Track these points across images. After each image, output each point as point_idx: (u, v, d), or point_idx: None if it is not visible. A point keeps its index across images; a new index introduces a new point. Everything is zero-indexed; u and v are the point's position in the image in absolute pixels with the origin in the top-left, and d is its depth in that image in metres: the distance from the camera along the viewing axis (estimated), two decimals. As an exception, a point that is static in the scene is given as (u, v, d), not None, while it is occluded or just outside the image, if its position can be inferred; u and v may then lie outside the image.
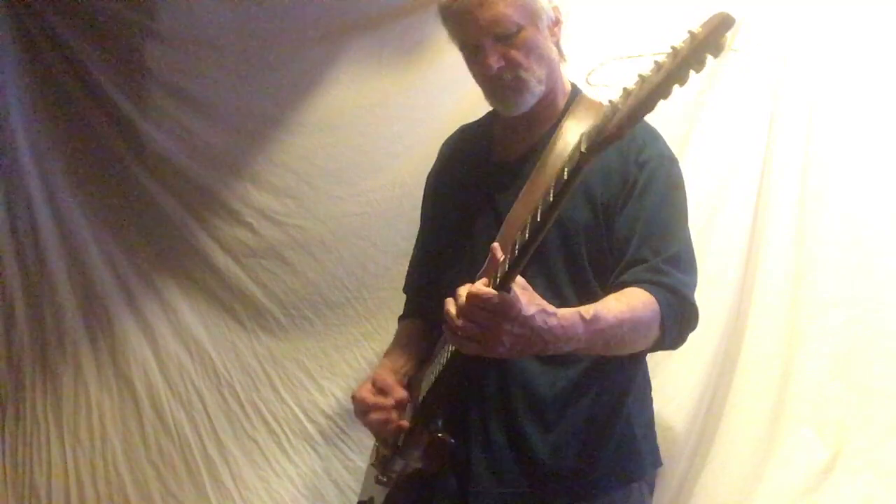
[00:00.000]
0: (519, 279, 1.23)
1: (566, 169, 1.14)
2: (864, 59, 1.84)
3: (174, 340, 2.33)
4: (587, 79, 1.87)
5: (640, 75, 1.06)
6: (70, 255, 2.36)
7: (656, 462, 1.63)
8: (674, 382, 1.86)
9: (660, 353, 1.77)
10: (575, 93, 1.63)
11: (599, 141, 1.10)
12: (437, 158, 1.82)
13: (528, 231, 1.18)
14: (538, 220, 1.17)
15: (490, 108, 1.74)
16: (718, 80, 1.95)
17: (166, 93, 2.33)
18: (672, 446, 1.83)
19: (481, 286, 1.22)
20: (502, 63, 1.49)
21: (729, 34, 1.02)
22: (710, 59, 1.00)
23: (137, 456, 2.31)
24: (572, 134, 1.52)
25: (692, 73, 1.00)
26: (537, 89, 1.53)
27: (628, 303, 1.38)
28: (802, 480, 1.78)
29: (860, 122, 1.84)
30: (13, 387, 2.37)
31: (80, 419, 2.34)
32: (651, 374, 1.67)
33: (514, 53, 1.49)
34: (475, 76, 1.58)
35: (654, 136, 1.56)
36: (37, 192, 2.34)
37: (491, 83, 1.54)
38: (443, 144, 1.83)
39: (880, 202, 1.81)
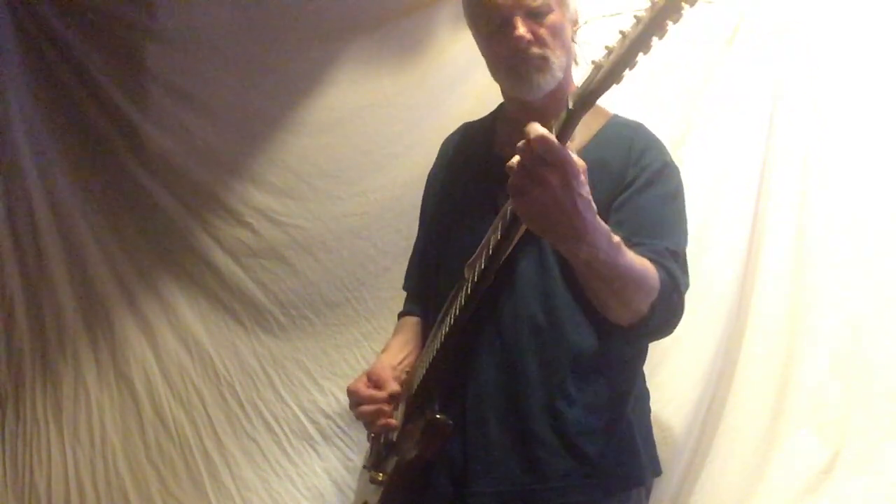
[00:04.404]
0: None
1: (554, 128, 1.19)
2: (865, 57, 1.84)
3: (174, 340, 2.33)
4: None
5: (620, 31, 1.11)
6: (70, 255, 2.36)
7: (656, 471, 1.62)
8: (674, 382, 1.85)
9: (659, 353, 1.78)
10: None
11: (585, 96, 1.15)
12: (438, 156, 1.82)
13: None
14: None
15: (491, 109, 1.73)
16: (718, 78, 1.95)
17: (166, 93, 2.33)
18: (672, 447, 1.83)
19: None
20: (531, 37, 1.48)
21: None
22: (686, 8, 1.06)
23: (137, 456, 2.30)
24: (576, 131, 1.52)
25: (670, 23, 1.06)
26: (558, 74, 1.52)
27: (642, 261, 1.37)
28: (802, 480, 1.77)
29: (861, 121, 1.84)
30: (13, 387, 2.36)
31: (80, 419, 2.33)
32: (651, 374, 1.67)
33: (542, 32, 1.49)
34: (495, 57, 1.55)
35: (656, 145, 1.57)
36: (37, 192, 2.34)
37: (516, 59, 1.51)
38: (444, 142, 1.82)
39: (881, 201, 1.81)
